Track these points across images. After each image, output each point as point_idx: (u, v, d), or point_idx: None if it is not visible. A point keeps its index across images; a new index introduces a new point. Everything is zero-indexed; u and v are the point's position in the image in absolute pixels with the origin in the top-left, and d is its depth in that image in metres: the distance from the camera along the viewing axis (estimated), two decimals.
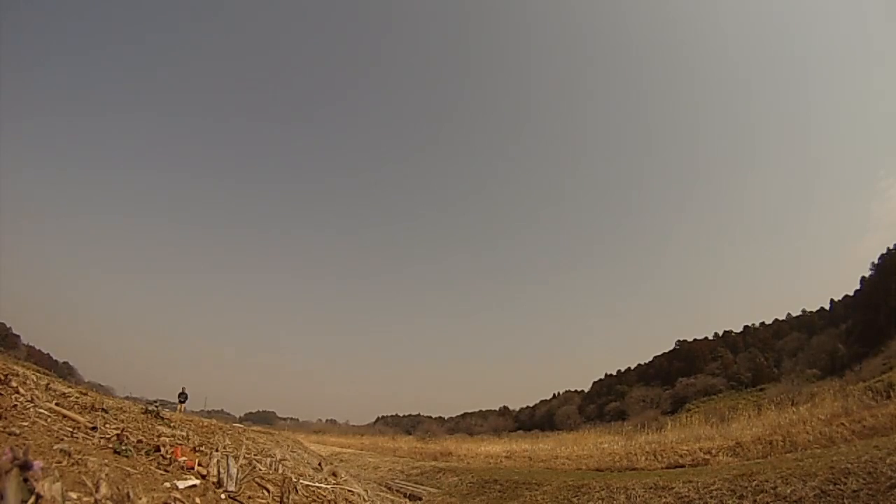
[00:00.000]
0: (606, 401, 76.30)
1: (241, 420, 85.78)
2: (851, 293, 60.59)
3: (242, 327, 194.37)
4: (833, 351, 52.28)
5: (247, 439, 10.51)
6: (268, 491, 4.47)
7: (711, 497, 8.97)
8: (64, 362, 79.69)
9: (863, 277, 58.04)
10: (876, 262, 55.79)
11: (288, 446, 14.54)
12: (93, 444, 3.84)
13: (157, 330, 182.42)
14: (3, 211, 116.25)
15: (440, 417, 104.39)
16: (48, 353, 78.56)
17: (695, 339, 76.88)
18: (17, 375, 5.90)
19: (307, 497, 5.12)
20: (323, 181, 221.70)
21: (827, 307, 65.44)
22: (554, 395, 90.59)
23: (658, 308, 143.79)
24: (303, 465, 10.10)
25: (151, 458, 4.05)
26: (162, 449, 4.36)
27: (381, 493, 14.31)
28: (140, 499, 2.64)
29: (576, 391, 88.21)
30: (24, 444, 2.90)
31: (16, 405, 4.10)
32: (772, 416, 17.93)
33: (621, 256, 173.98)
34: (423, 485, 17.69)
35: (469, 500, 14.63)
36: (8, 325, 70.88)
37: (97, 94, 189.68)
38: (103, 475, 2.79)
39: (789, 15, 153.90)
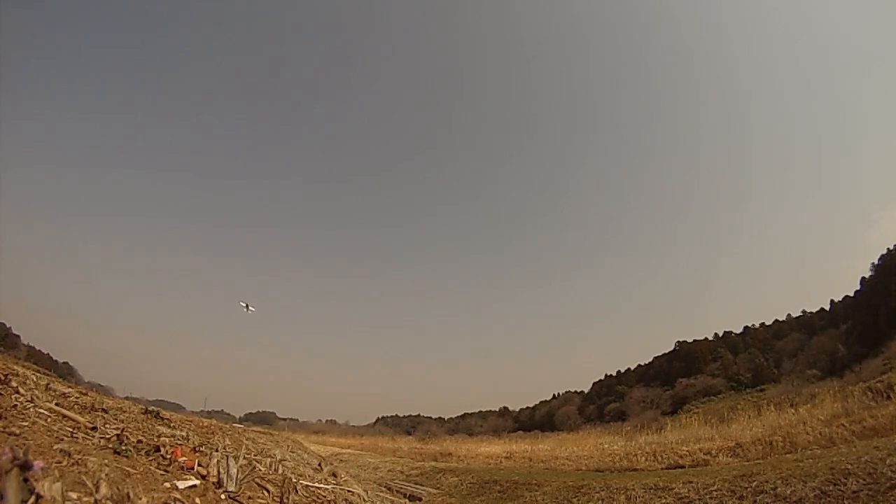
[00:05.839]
0: (606, 401, 76.21)
1: (240, 420, 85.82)
2: (851, 294, 60.64)
3: (243, 328, 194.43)
4: (833, 352, 52.23)
5: (247, 440, 10.50)
6: (268, 491, 4.47)
7: (711, 498, 8.96)
8: (64, 362, 79.81)
9: (863, 278, 58.08)
10: (876, 262, 55.85)
11: (288, 447, 14.52)
12: (93, 444, 3.84)
13: (156, 330, 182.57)
14: (3, 211, 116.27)
15: (440, 418, 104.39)
16: (48, 353, 78.63)
17: (695, 340, 76.90)
18: (17, 375, 5.91)
19: (307, 497, 5.12)
20: (325, 182, 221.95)
21: (827, 308, 65.45)
22: (554, 395, 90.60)
23: (658, 308, 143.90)
24: (303, 465, 10.09)
25: (151, 458, 4.05)
26: (162, 449, 4.36)
27: (381, 494, 14.29)
28: (140, 499, 2.65)
29: (576, 392, 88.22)
30: (24, 444, 2.90)
31: (16, 405, 4.11)
32: (772, 417, 17.92)
33: (621, 257, 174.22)
34: (422, 485, 17.66)
35: (469, 500, 14.61)
36: (8, 325, 70.95)
37: (98, 94, 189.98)
38: (103, 475, 2.79)
39: (791, 23, 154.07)
